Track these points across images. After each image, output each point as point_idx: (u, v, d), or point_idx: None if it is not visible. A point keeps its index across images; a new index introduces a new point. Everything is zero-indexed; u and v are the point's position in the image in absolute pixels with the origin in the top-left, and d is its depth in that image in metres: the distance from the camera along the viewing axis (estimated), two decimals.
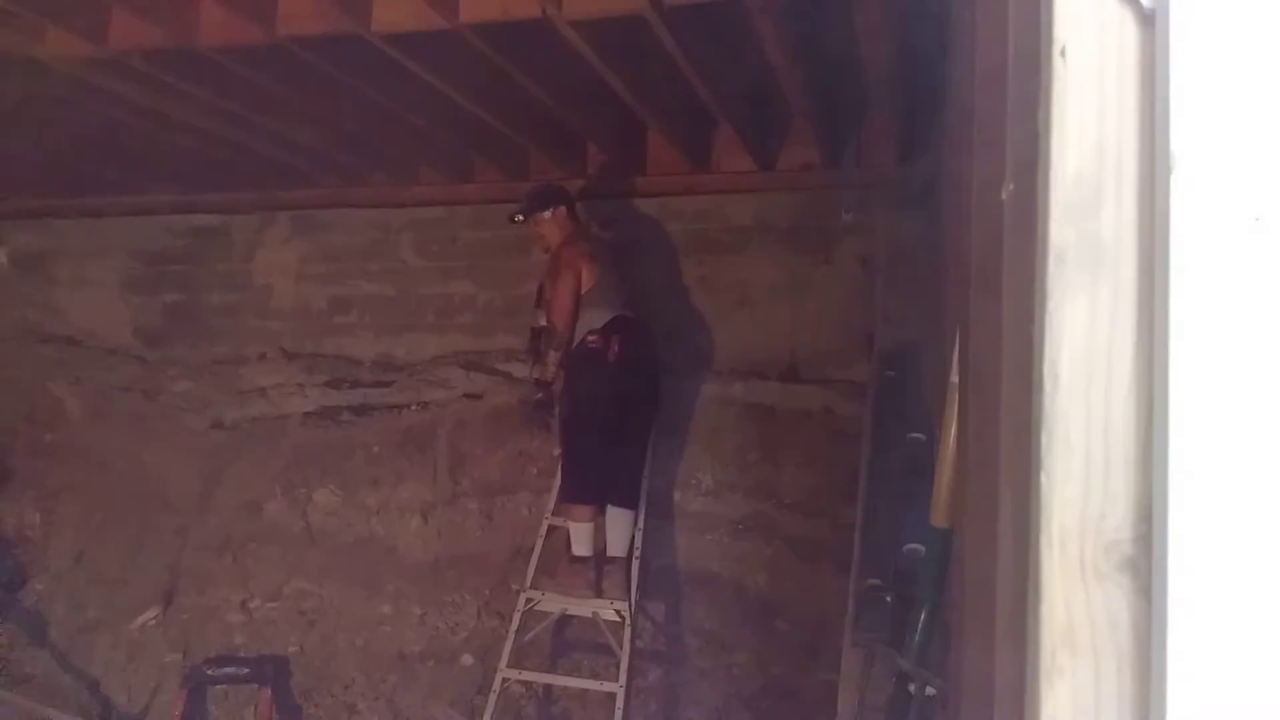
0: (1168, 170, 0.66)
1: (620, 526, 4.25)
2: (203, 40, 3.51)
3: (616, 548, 4.25)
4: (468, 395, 5.08)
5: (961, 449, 1.81)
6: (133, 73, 3.81)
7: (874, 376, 3.99)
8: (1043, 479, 0.71)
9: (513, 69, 3.72)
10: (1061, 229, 0.71)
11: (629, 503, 4.28)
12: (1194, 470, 0.65)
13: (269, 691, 4.45)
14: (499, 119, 4.33)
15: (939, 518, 2.05)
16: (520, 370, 4.99)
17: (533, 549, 4.45)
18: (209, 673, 4.55)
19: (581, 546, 4.26)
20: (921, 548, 2.35)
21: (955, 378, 1.95)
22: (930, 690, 2.12)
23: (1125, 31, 0.70)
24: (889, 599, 2.58)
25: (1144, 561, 0.68)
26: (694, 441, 4.68)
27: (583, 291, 4.27)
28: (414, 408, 5.15)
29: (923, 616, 2.18)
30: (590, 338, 4.23)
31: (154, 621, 4.86)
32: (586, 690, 4.27)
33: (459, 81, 3.90)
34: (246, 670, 4.55)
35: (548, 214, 4.50)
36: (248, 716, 4.56)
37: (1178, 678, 0.65)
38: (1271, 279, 0.64)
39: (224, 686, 4.59)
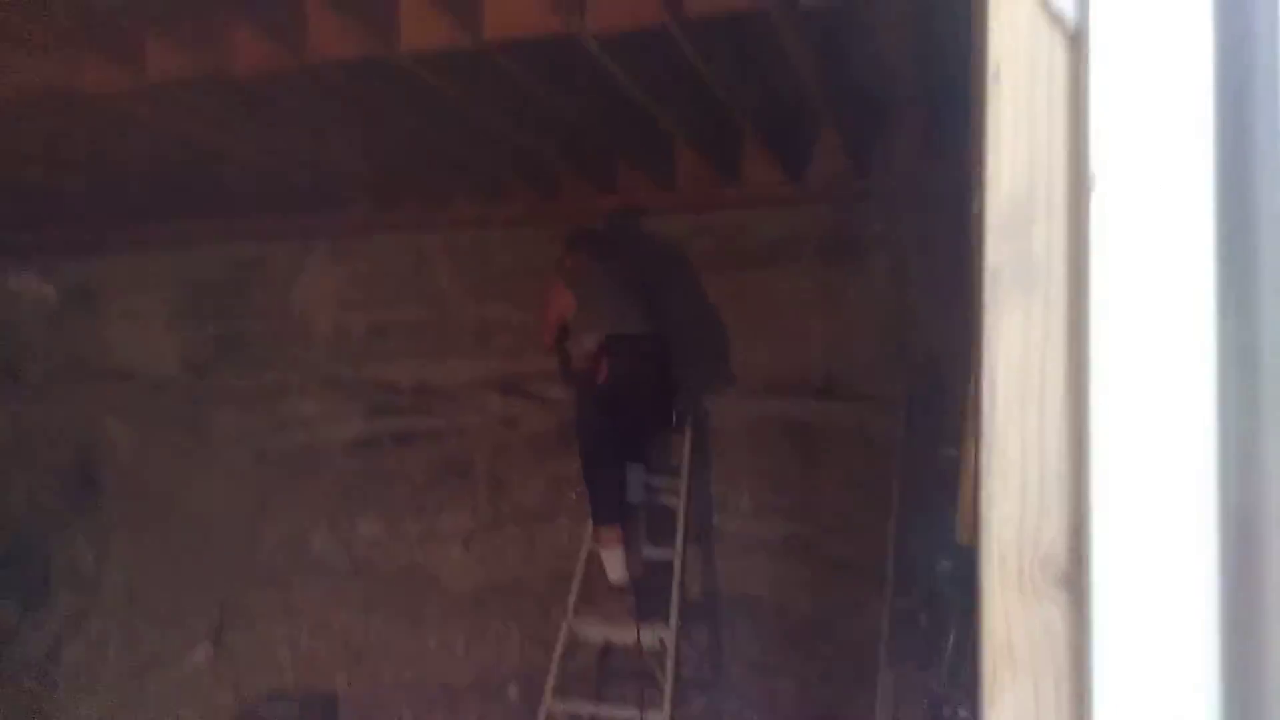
0: (1087, 190, 0.67)
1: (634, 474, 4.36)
2: (237, 67, 3.53)
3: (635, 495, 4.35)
4: (505, 421, 5.04)
5: (976, 463, 1.69)
6: (170, 102, 3.86)
7: (907, 390, 3.85)
8: (983, 495, 0.72)
9: (539, 86, 3.70)
10: (997, 247, 0.72)
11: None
12: (1117, 487, 0.66)
13: None
14: (528, 138, 4.31)
15: (964, 535, 1.92)
16: (557, 393, 4.95)
17: (573, 575, 4.39)
18: (260, 713, 4.58)
19: (616, 573, 4.24)
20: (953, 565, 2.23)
21: (973, 389, 1.83)
22: (963, 713, 2.00)
23: (1055, 52, 0.70)
24: (922, 619, 2.46)
25: (1079, 578, 0.68)
26: (731, 462, 4.59)
27: (566, 319, 4.49)
28: (453, 435, 5.12)
29: (951, 638, 2.06)
30: (581, 364, 4.36)
31: (205, 661, 4.90)
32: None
33: (487, 101, 3.89)
34: (297, 708, 4.57)
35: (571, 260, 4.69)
36: None
37: (1104, 696, 0.65)
38: (1180, 294, 0.66)
39: None
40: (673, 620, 4.16)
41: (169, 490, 5.46)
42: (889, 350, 4.27)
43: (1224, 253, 0.64)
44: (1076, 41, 0.68)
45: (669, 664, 4.09)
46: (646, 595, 4.27)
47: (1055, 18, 0.69)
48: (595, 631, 4.29)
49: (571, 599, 4.32)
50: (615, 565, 4.24)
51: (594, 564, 4.36)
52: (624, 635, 4.23)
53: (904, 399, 3.85)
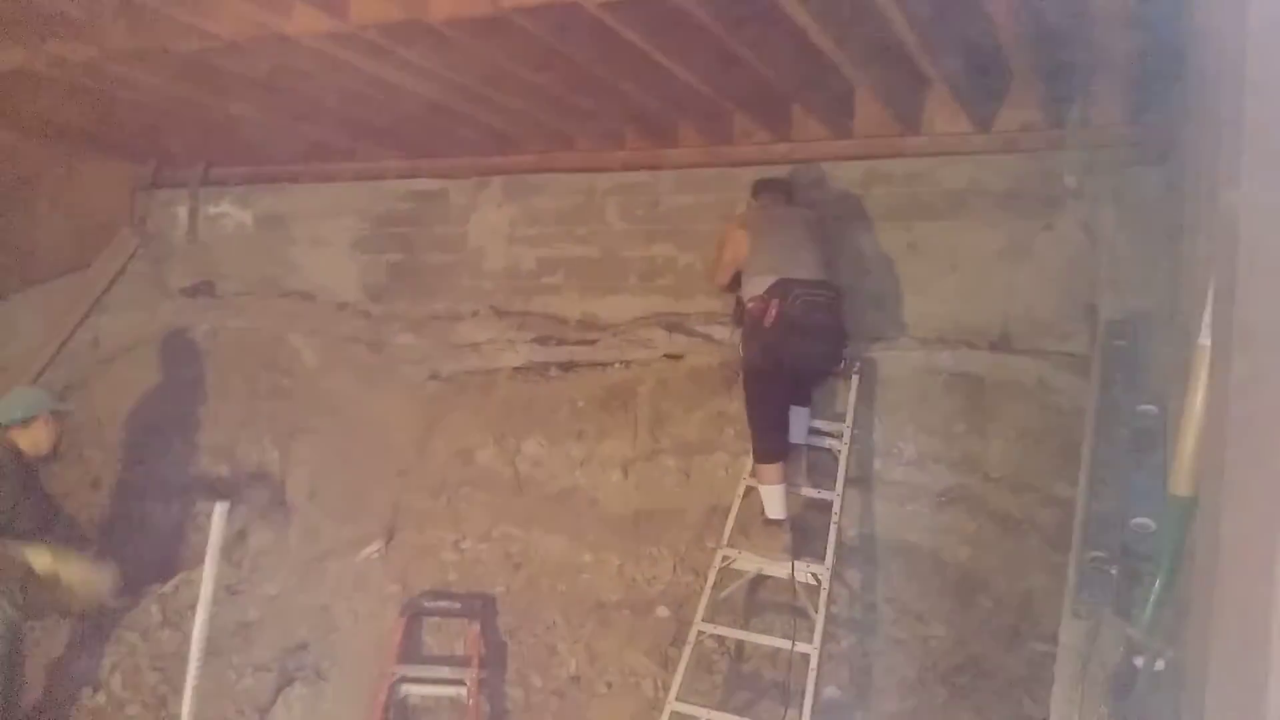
0: None
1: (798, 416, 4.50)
2: (433, 14, 3.73)
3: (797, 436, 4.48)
4: (668, 355, 5.19)
5: (1214, 412, 1.73)
6: (368, 46, 4.10)
7: (1100, 347, 3.80)
8: None
9: (724, 33, 3.75)
10: None
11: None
12: None
13: (478, 626, 4.75)
14: (705, 82, 4.37)
15: (1181, 485, 1.96)
16: (720, 333, 5.07)
17: (729, 508, 4.52)
18: (425, 605, 4.90)
19: (774, 509, 4.34)
20: (1151, 522, 2.26)
21: (1205, 340, 1.86)
22: (1160, 664, 2.04)
23: None
24: (1113, 571, 2.49)
25: None
26: (897, 410, 4.61)
27: (740, 261, 4.58)
28: (617, 366, 5.31)
29: (1157, 586, 2.09)
30: (750, 304, 4.41)
31: (377, 555, 5.26)
32: (779, 650, 4.30)
33: (670, 45, 3.97)
34: (458, 605, 4.87)
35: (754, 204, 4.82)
36: (458, 648, 4.88)
37: None
38: None
39: (438, 619, 4.93)
40: (828, 558, 4.25)
41: (348, 401, 5.83)
42: (1075, 307, 4.22)
43: None
44: None
45: (821, 600, 4.18)
46: (802, 533, 4.37)
47: None
48: (749, 562, 4.39)
49: (727, 530, 4.45)
50: (774, 502, 4.34)
51: (751, 498, 4.48)
52: (777, 569, 4.33)
53: (1095, 356, 3.80)
